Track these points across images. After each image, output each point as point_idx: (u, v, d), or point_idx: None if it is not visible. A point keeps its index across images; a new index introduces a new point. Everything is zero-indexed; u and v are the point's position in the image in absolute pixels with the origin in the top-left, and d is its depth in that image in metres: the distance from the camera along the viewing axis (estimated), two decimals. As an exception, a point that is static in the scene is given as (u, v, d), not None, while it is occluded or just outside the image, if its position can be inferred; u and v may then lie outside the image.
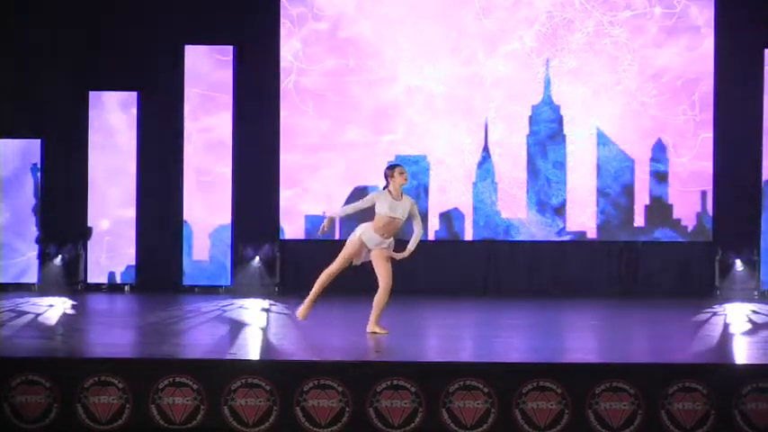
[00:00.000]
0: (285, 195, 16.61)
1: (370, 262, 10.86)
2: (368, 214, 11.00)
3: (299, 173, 16.60)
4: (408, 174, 10.92)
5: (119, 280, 16.70)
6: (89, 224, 16.68)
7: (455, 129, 16.50)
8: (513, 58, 16.45)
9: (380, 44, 16.58)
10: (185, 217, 16.60)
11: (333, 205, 16.50)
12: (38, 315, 12.96)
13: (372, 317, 10.88)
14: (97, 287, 16.66)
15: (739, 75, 16.24)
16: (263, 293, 16.13)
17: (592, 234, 16.51)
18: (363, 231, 10.79)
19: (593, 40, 16.40)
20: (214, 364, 8.97)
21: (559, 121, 16.45)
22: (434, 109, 16.52)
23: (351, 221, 16.47)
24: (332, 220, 11.10)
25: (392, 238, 10.83)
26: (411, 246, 10.82)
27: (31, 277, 16.68)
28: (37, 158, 16.73)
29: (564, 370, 8.64)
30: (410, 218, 10.82)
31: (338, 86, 16.59)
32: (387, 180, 10.78)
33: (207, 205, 16.60)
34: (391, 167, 10.83)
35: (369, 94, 16.58)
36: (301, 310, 11.04)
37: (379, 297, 10.78)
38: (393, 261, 10.82)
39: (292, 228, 16.66)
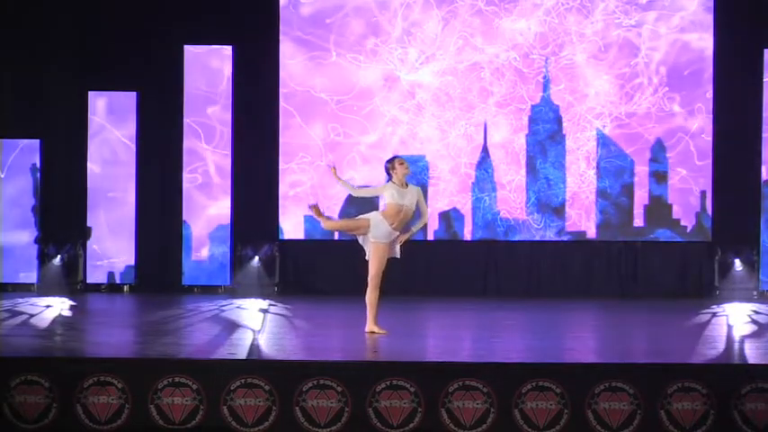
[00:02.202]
0: (284, 195, 16.59)
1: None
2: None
3: (298, 173, 16.58)
4: (408, 164, 10.92)
5: (118, 280, 16.70)
6: (88, 224, 16.68)
7: (454, 128, 16.49)
8: (513, 55, 16.43)
9: (377, 39, 16.58)
10: (185, 217, 16.60)
11: (332, 206, 16.49)
12: (37, 315, 12.96)
13: (369, 316, 10.88)
14: (96, 287, 16.66)
15: (739, 75, 16.23)
16: (263, 293, 16.13)
17: (591, 234, 16.51)
18: (375, 216, 10.74)
19: (592, 42, 16.39)
20: (213, 364, 8.97)
21: (559, 120, 16.45)
22: (433, 108, 16.51)
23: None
24: (337, 178, 10.88)
25: (398, 233, 10.80)
26: (414, 228, 10.87)
27: (31, 277, 16.68)
28: (37, 158, 16.72)
29: (563, 370, 8.65)
30: (417, 206, 10.84)
31: (330, 82, 16.55)
32: (388, 174, 10.80)
33: (206, 205, 16.60)
34: (391, 160, 10.86)
35: (367, 92, 16.56)
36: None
37: (369, 295, 10.79)
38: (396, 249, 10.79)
39: (291, 228, 16.65)
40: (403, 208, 10.71)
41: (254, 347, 10.24)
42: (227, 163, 16.62)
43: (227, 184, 16.62)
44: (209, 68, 16.63)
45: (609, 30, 16.37)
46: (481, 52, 16.47)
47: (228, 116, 16.63)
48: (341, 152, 16.54)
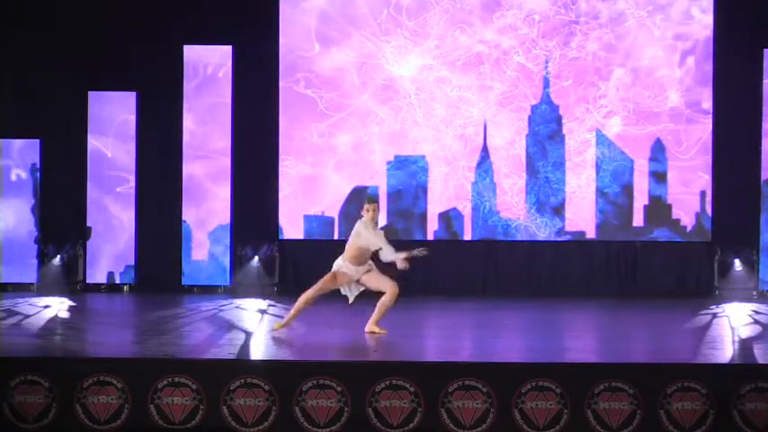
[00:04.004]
0: (284, 195, 16.58)
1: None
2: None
3: (297, 172, 16.57)
4: (375, 205, 11.04)
5: (118, 280, 16.70)
6: (88, 224, 16.68)
7: (453, 128, 16.47)
8: (516, 48, 16.42)
9: (375, 35, 16.56)
10: (184, 217, 16.60)
11: (332, 205, 16.49)
12: (37, 315, 12.96)
13: (373, 317, 10.92)
14: (96, 287, 16.66)
15: (739, 75, 16.23)
16: (262, 293, 16.12)
17: (591, 234, 16.50)
18: (340, 266, 11.01)
19: (591, 41, 16.38)
20: (213, 364, 8.98)
21: (558, 120, 16.44)
22: (433, 108, 16.49)
23: (350, 221, 16.51)
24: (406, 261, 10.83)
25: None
26: (400, 254, 10.82)
27: (30, 277, 16.67)
28: (37, 158, 16.73)
29: (563, 370, 8.66)
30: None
31: (317, 78, 16.54)
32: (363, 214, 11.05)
33: (206, 205, 16.60)
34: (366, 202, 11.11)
35: (365, 91, 16.54)
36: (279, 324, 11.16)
37: (386, 300, 10.91)
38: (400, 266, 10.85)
39: (291, 228, 16.65)
40: (370, 251, 10.99)
41: (253, 347, 10.25)
42: (227, 162, 16.60)
43: (227, 183, 16.59)
44: (208, 68, 16.62)
45: (601, 34, 16.35)
46: (482, 44, 16.40)
47: (228, 116, 16.61)
48: (352, 150, 16.50)
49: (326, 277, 11.11)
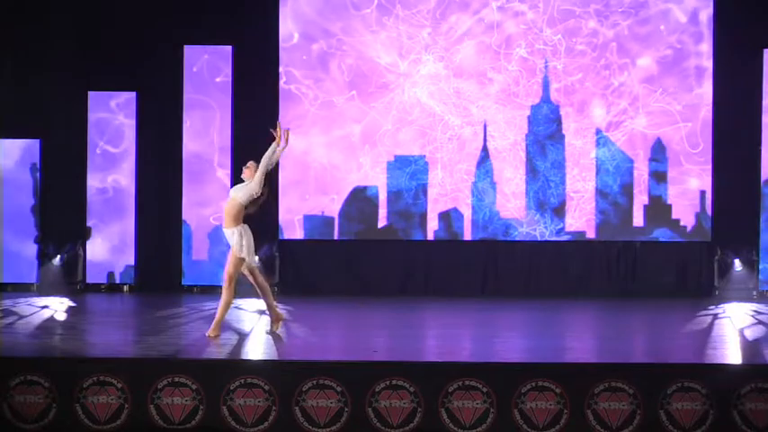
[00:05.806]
0: (284, 195, 16.57)
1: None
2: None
3: (297, 172, 16.57)
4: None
5: (118, 280, 16.71)
6: (88, 224, 16.69)
7: (454, 128, 16.47)
8: (513, 55, 16.42)
9: (373, 33, 16.57)
10: (184, 217, 16.60)
11: (332, 205, 16.49)
12: (36, 315, 12.97)
13: (271, 311, 11.09)
14: (96, 287, 16.66)
15: (738, 75, 16.23)
16: (263, 293, 16.10)
17: (591, 234, 16.49)
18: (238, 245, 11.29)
19: (591, 40, 16.38)
20: (213, 364, 8.99)
21: (558, 120, 16.44)
22: (433, 108, 16.48)
23: (351, 222, 16.51)
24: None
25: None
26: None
27: (30, 277, 16.68)
28: (36, 158, 16.73)
29: (563, 370, 8.66)
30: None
31: (308, 77, 16.53)
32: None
33: (206, 205, 16.59)
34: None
35: (364, 90, 16.53)
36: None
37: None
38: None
39: (291, 228, 16.64)
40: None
41: (253, 347, 10.25)
42: (226, 162, 16.60)
43: (226, 183, 16.59)
44: (208, 68, 16.62)
45: (601, 34, 16.35)
46: (483, 36, 16.37)
47: (228, 116, 16.61)
48: (351, 149, 16.48)
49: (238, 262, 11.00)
